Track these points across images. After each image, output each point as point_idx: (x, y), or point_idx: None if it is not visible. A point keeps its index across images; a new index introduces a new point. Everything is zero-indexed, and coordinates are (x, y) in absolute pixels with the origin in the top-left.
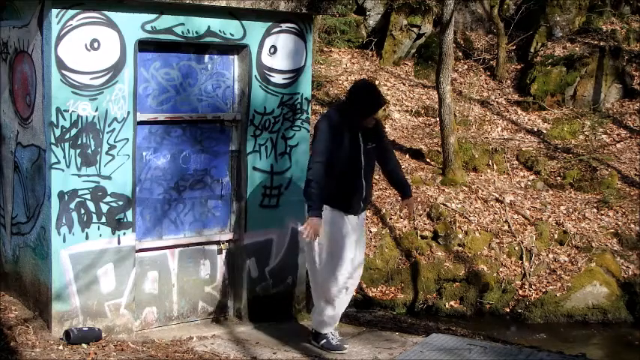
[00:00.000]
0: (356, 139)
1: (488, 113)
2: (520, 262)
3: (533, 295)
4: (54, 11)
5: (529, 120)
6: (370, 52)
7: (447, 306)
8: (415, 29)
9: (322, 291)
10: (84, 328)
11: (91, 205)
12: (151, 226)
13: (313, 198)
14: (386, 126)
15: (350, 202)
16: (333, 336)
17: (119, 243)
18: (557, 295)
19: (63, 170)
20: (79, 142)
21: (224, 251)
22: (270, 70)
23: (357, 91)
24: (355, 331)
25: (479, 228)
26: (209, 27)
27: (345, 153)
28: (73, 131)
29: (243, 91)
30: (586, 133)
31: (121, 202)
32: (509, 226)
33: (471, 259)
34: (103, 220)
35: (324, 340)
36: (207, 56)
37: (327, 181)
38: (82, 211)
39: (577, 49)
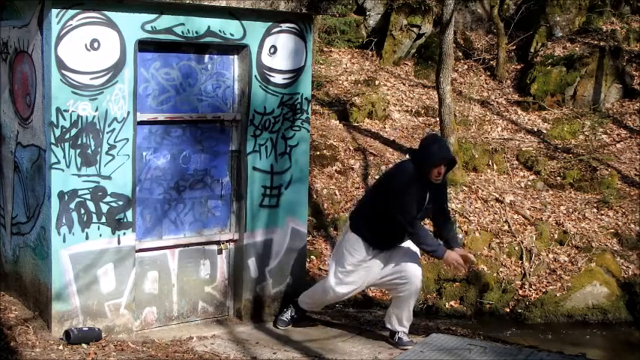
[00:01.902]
0: (423, 196)
1: (488, 113)
2: (520, 262)
3: (533, 295)
4: (54, 11)
5: (529, 120)
6: (370, 52)
7: (447, 306)
8: (415, 29)
9: (321, 288)
10: (84, 328)
11: (91, 205)
12: (151, 226)
13: (430, 243)
14: (386, 126)
15: (383, 245)
16: (290, 314)
17: (119, 243)
18: (557, 295)
19: (63, 170)
20: (79, 142)
21: (224, 251)
22: (270, 70)
23: (425, 141)
24: (355, 331)
25: (479, 228)
26: (209, 27)
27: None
28: (73, 131)
29: (243, 91)
30: (586, 133)
31: (121, 202)
32: (509, 226)
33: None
34: (103, 220)
35: (290, 310)
36: (207, 56)
37: (374, 219)
38: (82, 211)
39: (577, 49)
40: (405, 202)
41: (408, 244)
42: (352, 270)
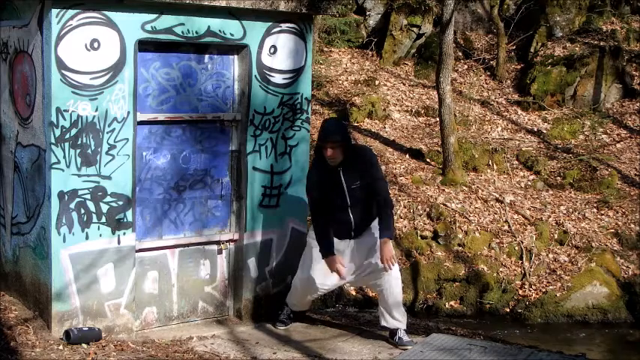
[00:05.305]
0: (337, 179)
1: (488, 113)
2: (520, 262)
3: (533, 295)
4: (54, 11)
5: (529, 120)
6: (370, 52)
7: (447, 306)
8: (415, 29)
9: (293, 285)
10: (84, 328)
11: (91, 205)
12: (151, 226)
13: (318, 241)
14: (386, 126)
15: (337, 234)
16: (286, 313)
17: (119, 243)
18: (557, 295)
19: (63, 170)
20: (79, 142)
21: (224, 251)
22: (270, 70)
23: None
24: (355, 331)
25: (479, 228)
26: (209, 27)
27: (329, 193)
28: (73, 131)
29: (243, 91)
30: (586, 133)
31: (121, 202)
32: (509, 226)
33: (471, 259)
34: (103, 220)
35: (285, 309)
36: (207, 56)
37: (322, 216)
38: (82, 211)
39: (577, 49)
40: (308, 188)
41: (375, 239)
42: (317, 257)
